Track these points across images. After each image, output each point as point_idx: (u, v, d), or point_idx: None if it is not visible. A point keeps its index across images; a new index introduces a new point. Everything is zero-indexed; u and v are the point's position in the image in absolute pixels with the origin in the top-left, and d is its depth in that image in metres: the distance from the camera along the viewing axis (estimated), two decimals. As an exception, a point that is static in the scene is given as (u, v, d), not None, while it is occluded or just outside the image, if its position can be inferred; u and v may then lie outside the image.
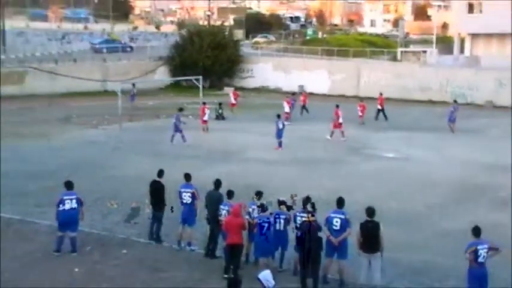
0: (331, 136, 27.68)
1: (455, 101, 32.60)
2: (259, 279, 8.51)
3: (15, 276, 11.80)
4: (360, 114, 32.30)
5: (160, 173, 13.78)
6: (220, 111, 33.22)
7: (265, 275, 8.53)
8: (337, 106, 28.34)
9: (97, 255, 12.90)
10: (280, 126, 25.36)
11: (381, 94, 35.29)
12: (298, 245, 11.51)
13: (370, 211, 11.29)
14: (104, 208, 16.35)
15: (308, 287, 11.18)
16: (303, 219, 11.54)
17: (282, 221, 12.00)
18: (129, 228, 14.72)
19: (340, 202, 11.76)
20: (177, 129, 25.98)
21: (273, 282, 8.51)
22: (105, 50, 53.70)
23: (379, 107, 34.15)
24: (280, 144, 25.30)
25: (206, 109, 29.29)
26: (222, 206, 12.54)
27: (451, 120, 30.34)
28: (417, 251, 13.74)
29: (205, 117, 29.05)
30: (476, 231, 10.51)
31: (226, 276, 11.69)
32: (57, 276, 11.77)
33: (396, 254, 13.09)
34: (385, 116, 33.78)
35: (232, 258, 11.78)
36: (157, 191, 13.54)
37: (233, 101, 36.26)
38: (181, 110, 27.36)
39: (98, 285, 11.43)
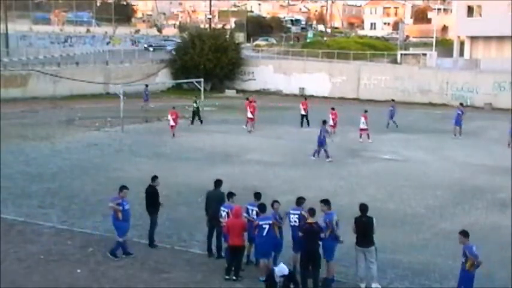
0: (252, 127, 30.18)
1: (461, 104, 32.30)
2: (273, 270, 9.50)
3: (18, 277, 11.86)
4: (332, 124, 28.32)
5: (154, 179, 13.87)
6: (195, 116, 32.49)
7: (281, 269, 9.36)
8: (249, 100, 31.87)
9: (99, 256, 12.98)
10: (324, 133, 23.87)
11: (306, 99, 34.69)
12: (298, 246, 11.64)
13: (363, 207, 11.58)
14: (107, 210, 16.43)
15: (308, 287, 11.30)
16: (296, 217, 11.80)
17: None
18: (131, 230, 14.82)
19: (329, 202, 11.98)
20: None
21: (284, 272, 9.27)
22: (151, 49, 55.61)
23: (303, 112, 32.02)
24: (318, 153, 23.80)
25: (178, 113, 29.24)
26: (222, 208, 12.61)
27: (457, 124, 29.98)
28: (417, 252, 13.79)
29: (175, 122, 28.75)
30: (466, 233, 10.55)
31: (227, 277, 11.84)
32: (60, 278, 11.83)
33: (396, 255, 13.22)
34: (307, 121, 31.76)
35: (233, 260, 11.90)
36: (151, 195, 13.67)
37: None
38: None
39: (100, 286, 11.51)
